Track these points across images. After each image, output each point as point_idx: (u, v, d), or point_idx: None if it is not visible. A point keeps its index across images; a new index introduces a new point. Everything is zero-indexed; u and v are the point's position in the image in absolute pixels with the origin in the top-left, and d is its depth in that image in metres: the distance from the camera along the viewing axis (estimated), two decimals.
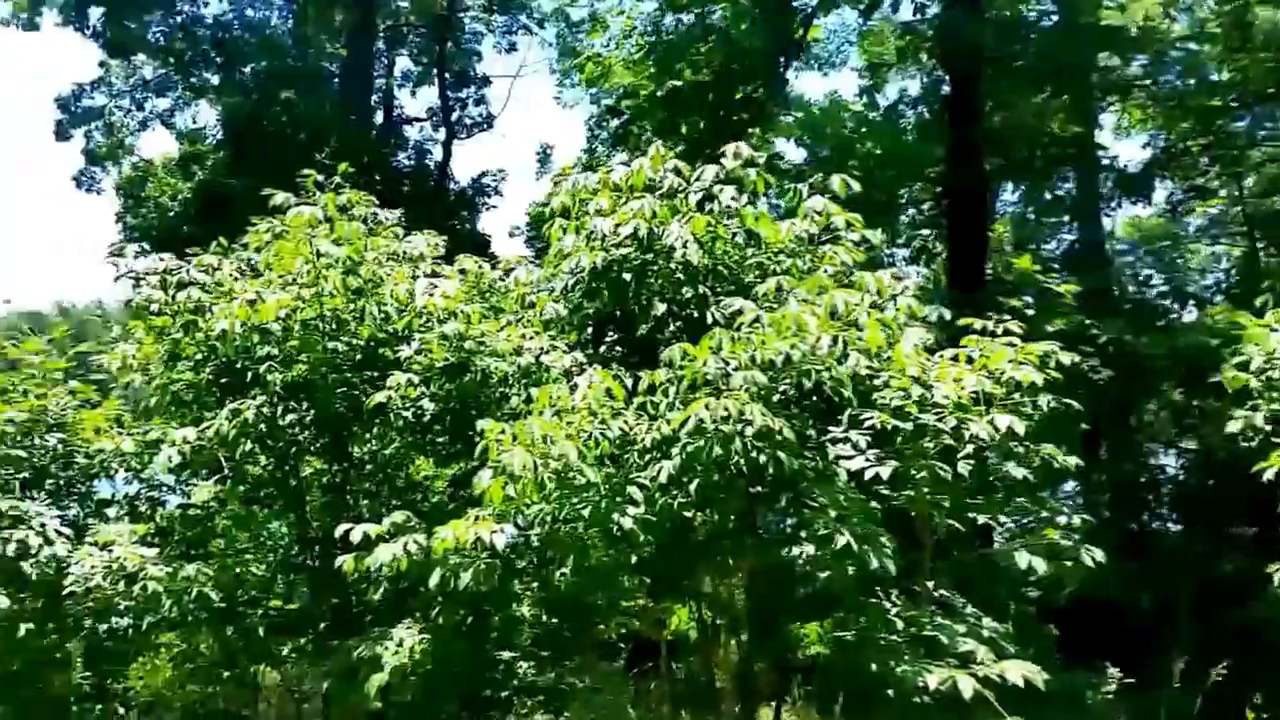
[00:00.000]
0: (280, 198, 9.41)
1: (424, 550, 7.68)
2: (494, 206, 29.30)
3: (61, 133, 28.94)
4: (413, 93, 31.23)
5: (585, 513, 7.18)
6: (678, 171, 8.89)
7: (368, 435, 9.92)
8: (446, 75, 30.28)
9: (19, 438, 9.48)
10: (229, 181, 24.74)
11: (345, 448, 9.95)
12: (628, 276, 8.62)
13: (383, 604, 9.59)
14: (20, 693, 9.21)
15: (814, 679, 10.72)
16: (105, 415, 9.99)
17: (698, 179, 8.89)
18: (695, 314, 8.44)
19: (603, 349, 9.09)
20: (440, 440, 9.42)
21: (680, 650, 11.08)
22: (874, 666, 7.27)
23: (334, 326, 9.57)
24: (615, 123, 25.25)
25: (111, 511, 9.92)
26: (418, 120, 30.27)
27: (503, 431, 7.24)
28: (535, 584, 8.73)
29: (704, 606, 8.83)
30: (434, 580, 7.52)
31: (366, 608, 9.78)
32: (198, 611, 8.88)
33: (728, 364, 7.26)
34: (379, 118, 29.60)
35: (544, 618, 9.40)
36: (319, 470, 10.30)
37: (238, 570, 9.75)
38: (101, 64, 29.06)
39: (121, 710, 10.31)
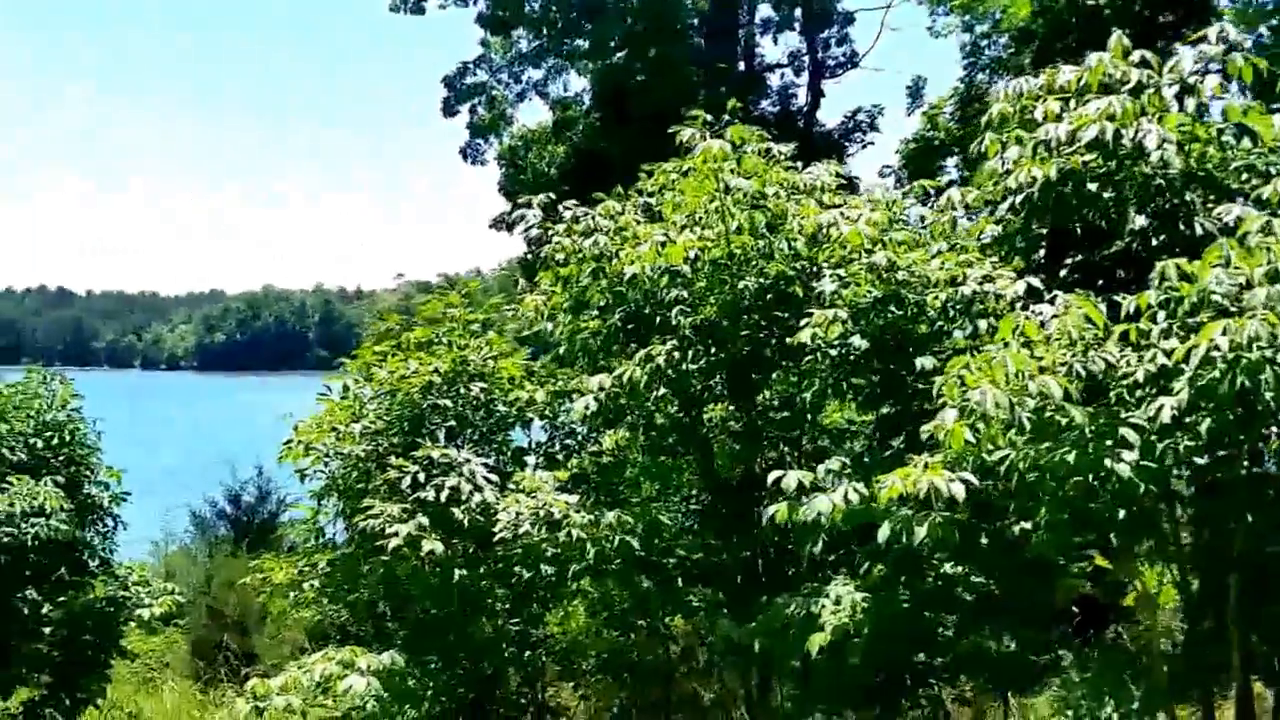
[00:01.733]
0: (687, 134, 8.92)
1: (866, 500, 7.00)
2: (870, 143, 28.30)
3: (448, 109, 30.46)
4: (774, 39, 30.54)
5: (1070, 458, 6.18)
6: (1144, 63, 7.63)
7: (777, 378, 9.36)
8: (809, 16, 29.38)
9: (445, 388, 9.57)
10: (601, 144, 25.06)
11: (753, 392, 9.43)
12: (1093, 187, 7.49)
13: (806, 557, 9.05)
14: (447, 638, 9.35)
15: None
16: (519, 365, 9.98)
17: (1169, 70, 7.61)
18: (1179, 226, 7.22)
19: (1062, 273, 8.01)
20: (859, 382, 8.66)
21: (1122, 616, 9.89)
22: None
23: (742, 265, 9.03)
24: (990, 51, 23.78)
25: (530, 459, 9.89)
26: (779, 66, 29.65)
27: (966, 367, 6.36)
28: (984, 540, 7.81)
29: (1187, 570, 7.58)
30: (883, 533, 6.81)
31: (787, 560, 9.27)
32: (618, 559, 8.66)
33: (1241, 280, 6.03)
34: (740, 68, 29.17)
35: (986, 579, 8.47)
36: (725, 416, 9.83)
37: (651, 518, 9.45)
38: (482, 42, 30.30)
39: (541, 657, 10.27)
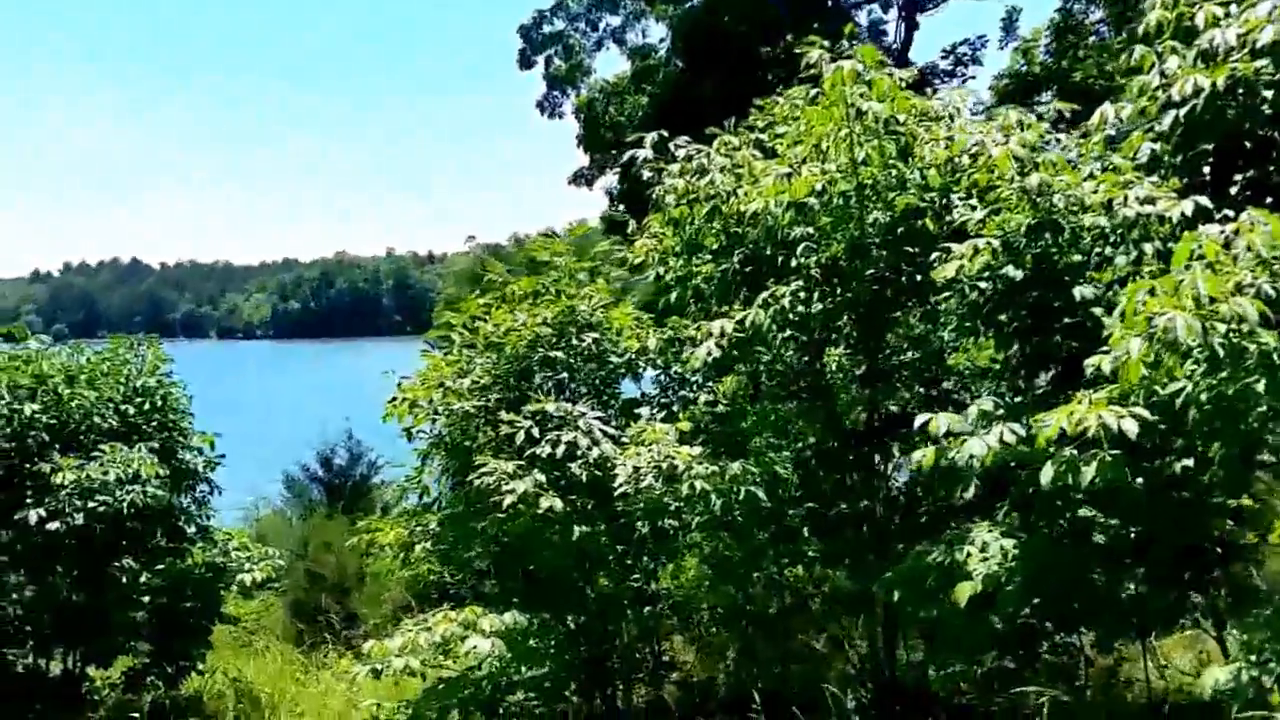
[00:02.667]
0: (815, 55, 8.28)
1: (1021, 441, 6.45)
2: (971, 77, 27.40)
3: (525, 60, 29.97)
4: None
5: (1259, 387, 5.57)
6: None
7: (908, 318, 8.80)
8: None
9: (554, 339, 9.13)
10: (685, 90, 24.38)
11: (880, 333, 8.89)
12: (1268, 94, 6.78)
13: (936, 505, 8.55)
14: (565, 596, 8.97)
15: None
16: (629, 314, 9.50)
17: None
18: None
19: (1232, 190, 7.32)
20: (1003, 318, 8.04)
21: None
22: None
23: (870, 198, 8.44)
24: None
25: (643, 411, 9.42)
26: (866, 3, 28.71)
27: (1151, 292, 5.74)
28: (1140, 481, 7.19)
29: None
30: (1046, 476, 6.26)
31: (916, 508, 8.82)
32: (740, 511, 8.18)
33: None
34: (829, 4, 28.29)
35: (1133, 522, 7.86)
36: (848, 360, 9.29)
37: (769, 469, 8.96)
38: None
39: (659, 612, 9.85)
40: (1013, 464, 6.91)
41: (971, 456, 6.52)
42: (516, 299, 9.66)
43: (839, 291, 8.50)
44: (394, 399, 9.42)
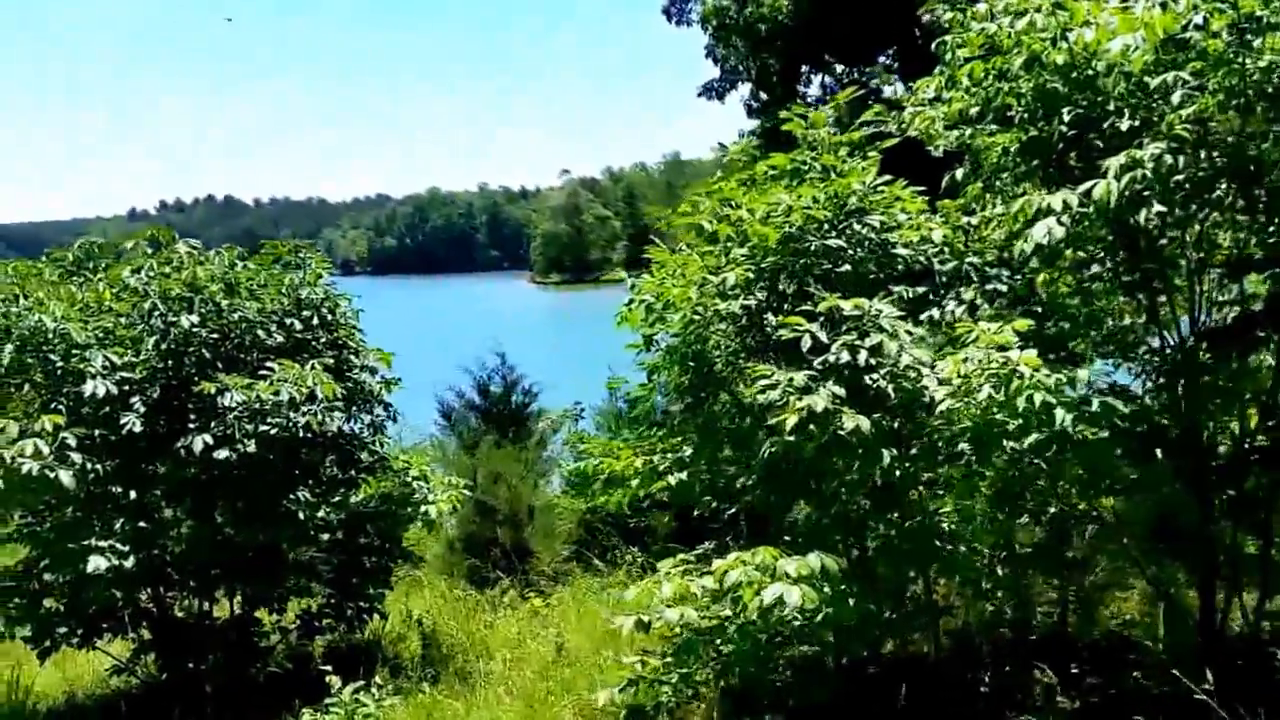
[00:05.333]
0: None
1: None
2: None
3: None
4: None
5: None
6: None
7: None
8: None
9: (827, 226, 7.46)
10: None
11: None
12: None
13: None
14: (855, 532, 7.40)
15: None
16: (916, 197, 7.81)
17: None
18: None
19: None
20: None
21: None
22: None
23: (1255, 32, 6.59)
24: None
25: (933, 312, 7.69)
26: None
27: None
28: None
29: None
30: None
31: None
32: (1095, 428, 6.48)
33: None
34: None
35: None
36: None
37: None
38: None
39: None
40: None
41: None
42: (767, 180, 8.01)
43: (1215, 155, 6.72)
44: (631, 302, 7.89)
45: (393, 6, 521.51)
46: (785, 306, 7.32)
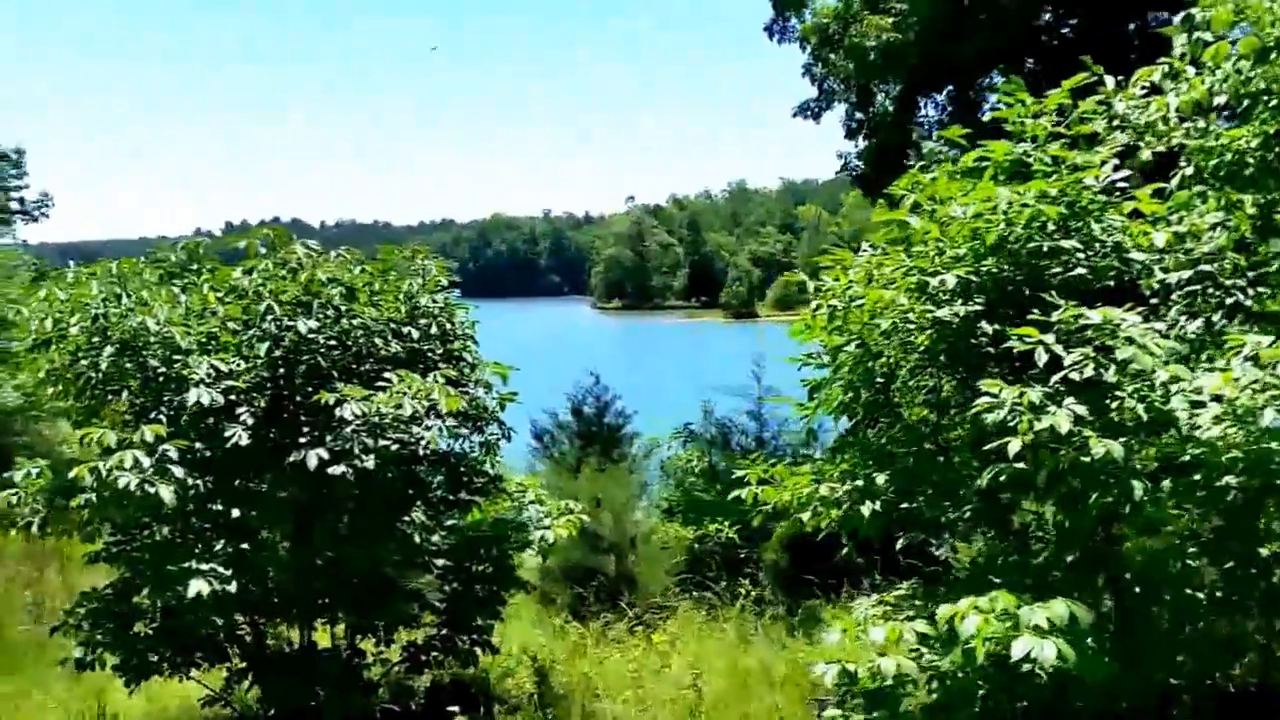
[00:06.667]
0: None
1: None
2: None
3: None
4: None
5: None
6: None
7: None
8: None
9: (1054, 228, 6.48)
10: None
11: None
12: None
13: None
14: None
15: None
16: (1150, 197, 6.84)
17: None
18: None
19: None
20: None
21: None
22: None
23: None
24: None
25: (1159, 326, 6.68)
26: None
27: None
28: None
29: None
30: None
31: None
32: None
33: None
34: None
35: None
36: None
37: None
38: None
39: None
40: None
41: None
42: (963, 176, 7.06)
43: None
44: (817, 306, 6.99)
45: (463, 37, 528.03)
46: (1003, 314, 6.38)
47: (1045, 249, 6.35)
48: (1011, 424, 5.54)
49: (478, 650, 10.02)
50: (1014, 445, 5.52)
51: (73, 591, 11.45)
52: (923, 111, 25.90)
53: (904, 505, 6.57)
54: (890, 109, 25.75)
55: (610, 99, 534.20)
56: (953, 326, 6.31)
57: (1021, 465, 5.61)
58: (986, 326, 6.29)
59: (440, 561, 9.75)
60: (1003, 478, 5.72)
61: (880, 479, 6.58)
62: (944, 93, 25.00)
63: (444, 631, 9.96)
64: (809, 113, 28.49)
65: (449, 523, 9.78)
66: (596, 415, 16.67)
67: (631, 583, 13.13)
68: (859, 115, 27.46)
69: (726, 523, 13.88)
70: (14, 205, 66.06)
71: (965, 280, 6.32)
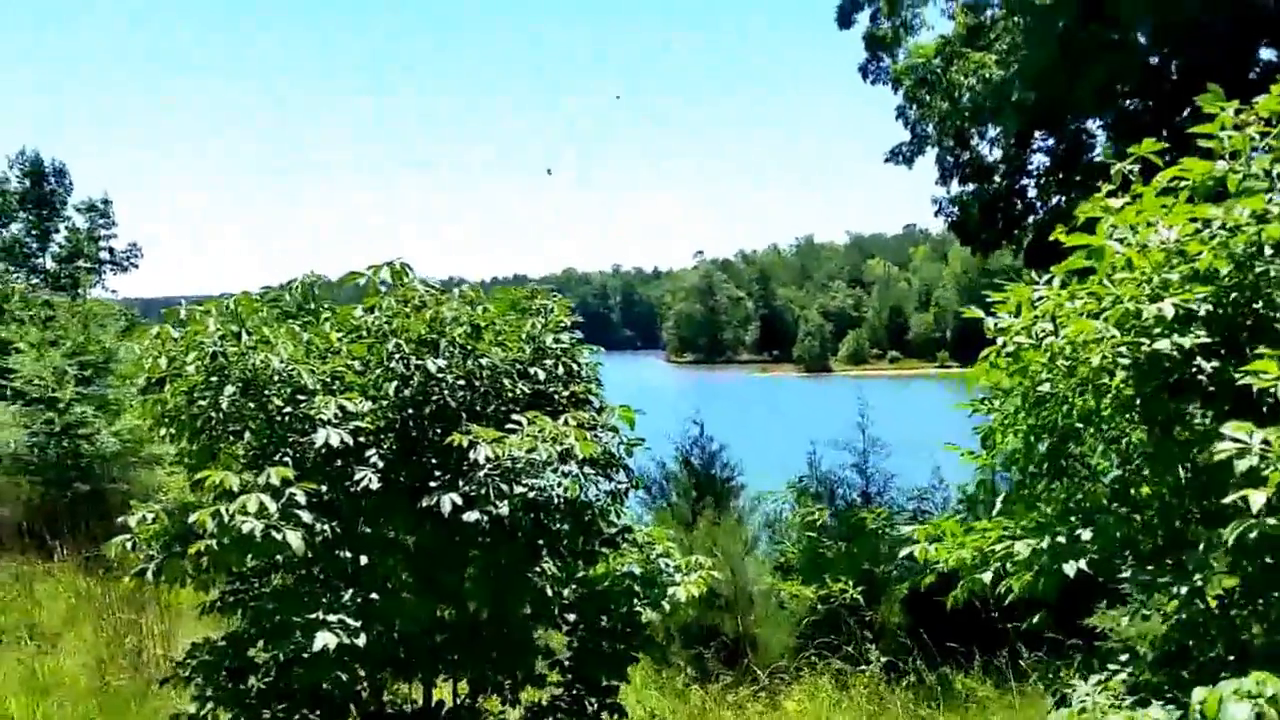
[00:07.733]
0: None
1: None
2: None
3: (844, 19, 26.67)
4: None
5: None
6: None
7: None
8: None
9: (1271, 251, 5.86)
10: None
11: None
12: None
13: None
14: None
15: None
16: None
17: None
18: None
19: None
20: None
21: None
22: None
23: None
24: None
25: None
26: None
27: None
28: None
29: None
30: None
31: None
32: None
33: None
34: None
35: None
36: None
37: None
38: None
39: None
40: None
41: None
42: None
43: None
44: (999, 345, 6.41)
45: (542, 97, 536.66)
46: (1215, 349, 5.76)
47: (1273, 274, 5.71)
48: (1264, 473, 4.90)
49: (604, 714, 9.43)
50: (1257, 498, 4.88)
51: (171, 640, 11.10)
52: (1038, 158, 25.31)
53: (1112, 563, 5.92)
54: (990, 151, 25.19)
55: (678, 153, 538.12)
56: (1166, 364, 5.67)
57: (1273, 521, 4.94)
58: (1204, 363, 5.66)
59: (570, 616, 9.22)
60: (1252, 534, 5.06)
61: (1085, 535, 5.94)
62: (1055, 133, 24.38)
63: (573, 692, 9.40)
64: (900, 157, 28.08)
65: (579, 575, 9.25)
66: (704, 467, 16.12)
67: (752, 642, 12.48)
68: (954, 158, 26.93)
69: (850, 581, 13.21)
70: (104, 255, 67.57)
71: (1190, 310, 5.69)
